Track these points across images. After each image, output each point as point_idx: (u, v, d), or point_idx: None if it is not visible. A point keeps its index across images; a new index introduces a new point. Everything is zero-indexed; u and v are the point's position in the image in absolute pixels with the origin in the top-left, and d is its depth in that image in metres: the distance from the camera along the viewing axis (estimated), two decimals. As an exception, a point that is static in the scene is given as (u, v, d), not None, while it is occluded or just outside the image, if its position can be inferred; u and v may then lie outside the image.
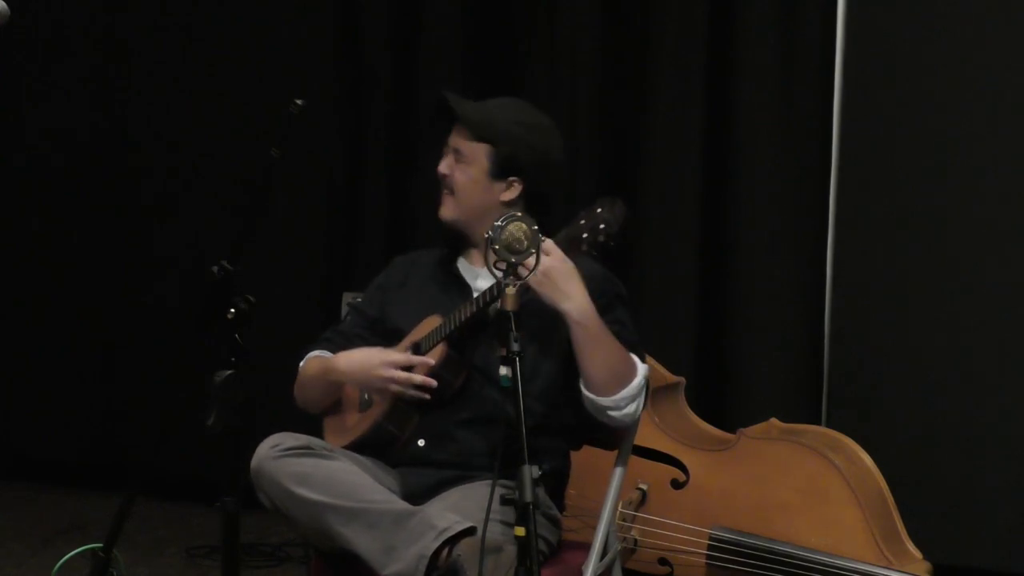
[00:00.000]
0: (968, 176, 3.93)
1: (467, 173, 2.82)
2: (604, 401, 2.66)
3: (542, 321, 2.66)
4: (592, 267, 2.74)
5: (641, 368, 2.69)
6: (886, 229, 4.02)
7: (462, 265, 2.91)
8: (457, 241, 2.91)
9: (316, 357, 2.94)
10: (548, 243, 2.55)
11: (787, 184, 4.14)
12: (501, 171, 2.81)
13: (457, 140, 2.84)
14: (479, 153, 2.81)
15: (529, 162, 2.80)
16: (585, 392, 2.67)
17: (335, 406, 2.93)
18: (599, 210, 2.49)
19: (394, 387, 2.73)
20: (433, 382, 2.72)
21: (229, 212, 4.45)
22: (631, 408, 2.67)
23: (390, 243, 4.60)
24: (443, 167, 2.86)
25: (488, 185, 2.81)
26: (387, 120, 4.69)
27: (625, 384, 2.65)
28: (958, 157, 3.94)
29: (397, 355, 2.76)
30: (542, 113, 2.90)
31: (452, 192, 2.85)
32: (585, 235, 2.49)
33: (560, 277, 2.57)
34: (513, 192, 2.81)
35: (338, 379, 2.85)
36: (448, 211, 2.87)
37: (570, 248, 2.52)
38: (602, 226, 2.47)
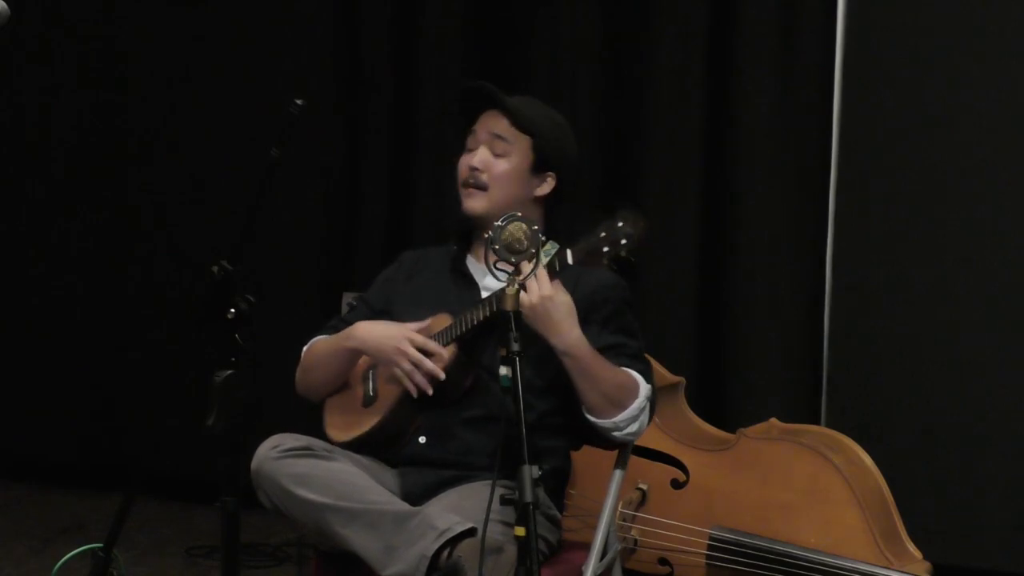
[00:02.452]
0: (968, 176, 3.93)
1: (507, 164, 2.78)
2: (604, 423, 2.68)
3: None
4: (601, 273, 2.75)
5: (643, 388, 2.69)
6: (886, 229, 4.02)
7: (471, 262, 2.90)
8: (468, 237, 2.90)
9: (324, 339, 2.93)
10: (543, 274, 2.54)
11: (787, 184, 4.14)
12: (542, 165, 2.80)
13: (496, 130, 2.79)
14: (523, 145, 2.79)
15: (564, 157, 2.82)
16: (585, 415, 2.68)
17: (337, 400, 2.91)
18: (620, 224, 2.47)
19: (405, 364, 2.71)
20: (442, 374, 2.71)
21: (229, 212, 4.45)
22: (633, 428, 2.69)
23: (390, 243, 4.59)
24: (476, 161, 2.79)
25: (527, 179, 2.80)
26: (387, 120, 4.69)
27: (624, 407, 2.66)
28: (958, 157, 3.94)
29: (418, 336, 2.75)
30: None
31: (484, 187, 2.78)
32: (606, 248, 2.47)
33: (550, 313, 2.56)
34: (547, 187, 2.82)
35: (354, 345, 2.81)
36: (478, 204, 2.80)
37: (589, 260, 2.50)
38: (623, 241, 2.46)
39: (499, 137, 2.79)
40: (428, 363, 2.71)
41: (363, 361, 2.87)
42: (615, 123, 4.37)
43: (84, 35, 5.10)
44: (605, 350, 2.70)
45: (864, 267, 4.05)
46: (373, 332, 2.80)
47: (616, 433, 2.69)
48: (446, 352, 2.73)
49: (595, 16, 4.37)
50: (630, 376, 2.69)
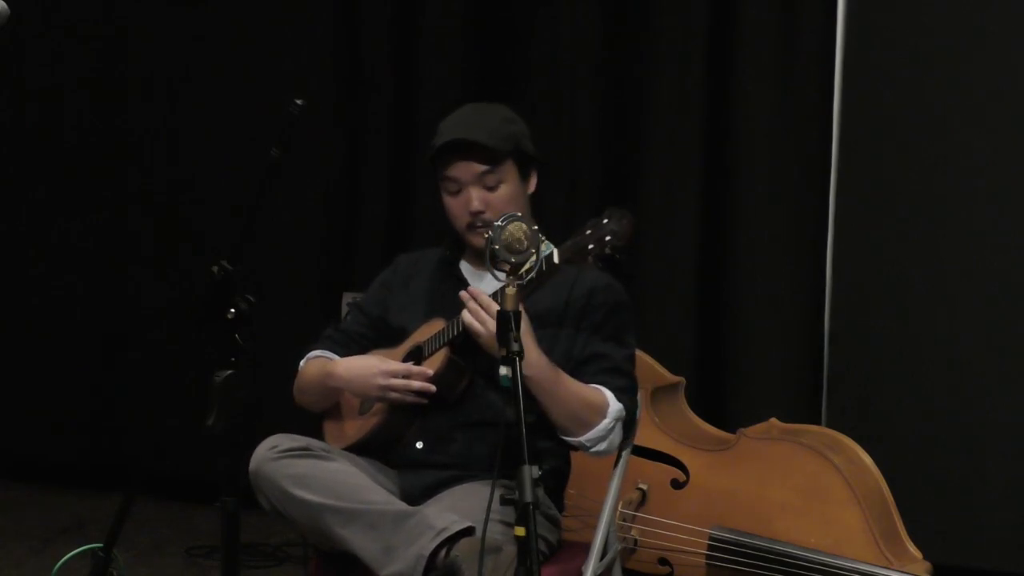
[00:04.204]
0: (968, 176, 3.93)
1: (505, 192, 2.76)
2: (572, 441, 2.69)
3: (544, 323, 2.68)
4: (596, 276, 2.75)
5: (612, 408, 2.68)
6: (886, 229, 4.02)
7: (464, 267, 2.90)
8: (462, 243, 2.90)
9: (316, 358, 2.93)
10: (488, 298, 2.55)
11: (787, 184, 4.14)
12: (525, 170, 2.82)
13: (480, 169, 2.76)
14: (507, 168, 2.77)
15: (530, 149, 2.83)
16: (555, 431, 2.70)
17: (335, 408, 2.93)
18: (606, 221, 2.45)
19: (393, 395, 2.73)
20: (432, 388, 2.71)
21: (229, 212, 4.45)
22: (602, 447, 2.70)
23: (390, 243, 4.60)
24: (476, 204, 2.75)
25: (523, 191, 2.81)
26: (387, 120, 4.69)
27: (590, 426, 2.67)
28: (958, 157, 3.94)
29: (395, 364, 2.75)
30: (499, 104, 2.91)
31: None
32: (591, 246, 2.45)
33: None
34: (534, 181, 2.84)
35: (336, 386, 2.85)
36: None
37: (576, 258, 2.49)
38: (608, 238, 2.44)
39: (486, 173, 2.77)
40: (414, 384, 2.71)
41: None
42: (615, 123, 4.37)
43: (84, 35, 5.10)
44: (589, 360, 2.72)
45: (864, 267, 4.05)
46: (351, 371, 2.80)
47: (585, 451, 2.71)
48: (435, 362, 2.73)
49: (595, 16, 4.37)
50: (599, 395, 2.69)
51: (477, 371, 2.75)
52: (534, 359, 2.59)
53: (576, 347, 2.74)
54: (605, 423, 2.67)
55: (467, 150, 2.75)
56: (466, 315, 2.61)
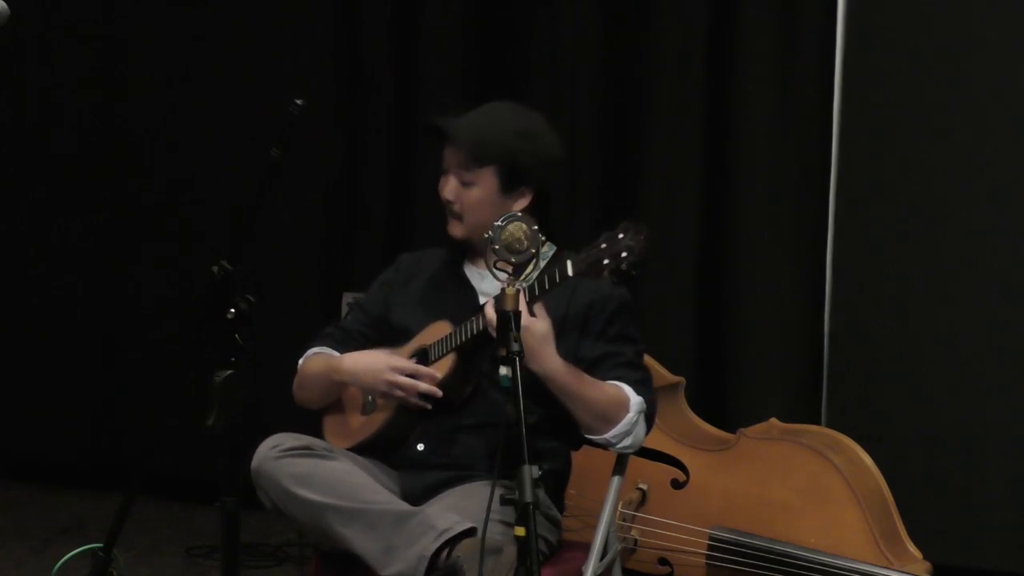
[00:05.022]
0: (968, 175, 3.93)
1: (476, 196, 2.77)
2: (598, 439, 2.69)
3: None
4: (597, 283, 2.74)
5: (634, 402, 2.69)
6: (886, 229, 4.02)
7: (467, 267, 2.90)
8: (463, 247, 2.90)
9: (318, 354, 2.93)
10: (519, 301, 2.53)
11: (787, 184, 4.14)
12: (511, 185, 2.78)
13: (458, 163, 2.78)
14: (485, 174, 2.77)
15: (535, 168, 2.79)
16: (580, 431, 2.70)
17: (336, 407, 2.92)
18: (621, 236, 2.45)
19: (398, 393, 2.73)
20: (439, 392, 2.71)
21: (229, 212, 4.45)
22: (627, 441, 2.70)
23: (390, 243, 4.60)
24: (448, 193, 2.80)
25: (499, 201, 2.78)
26: (387, 120, 4.69)
27: (615, 422, 2.67)
28: (958, 157, 3.94)
29: (405, 362, 2.75)
30: (530, 111, 2.87)
31: (460, 216, 2.80)
32: (607, 261, 2.44)
33: (524, 341, 2.48)
34: (525, 200, 2.79)
35: (342, 379, 2.84)
36: (457, 231, 2.83)
37: (590, 272, 2.48)
38: (624, 254, 2.43)
39: (462, 169, 2.78)
40: (421, 385, 2.72)
41: None
42: (615, 123, 4.36)
43: (84, 35, 5.10)
44: (601, 359, 2.72)
45: (864, 267, 4.05)
46: (359, 365, 2.80)
47: (612, 448, 2.71)
48: (442, 367, 2.73)
49: (595, 16, 4.37)
50: (620, 391, 2.69)
51: (482, 374, 2.75)
52: (551, 364, 2.60)
53: (581, 350, 2.74)
54: (629, 417, 2.68)
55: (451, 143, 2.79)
56: (489, 310, 2.58)
